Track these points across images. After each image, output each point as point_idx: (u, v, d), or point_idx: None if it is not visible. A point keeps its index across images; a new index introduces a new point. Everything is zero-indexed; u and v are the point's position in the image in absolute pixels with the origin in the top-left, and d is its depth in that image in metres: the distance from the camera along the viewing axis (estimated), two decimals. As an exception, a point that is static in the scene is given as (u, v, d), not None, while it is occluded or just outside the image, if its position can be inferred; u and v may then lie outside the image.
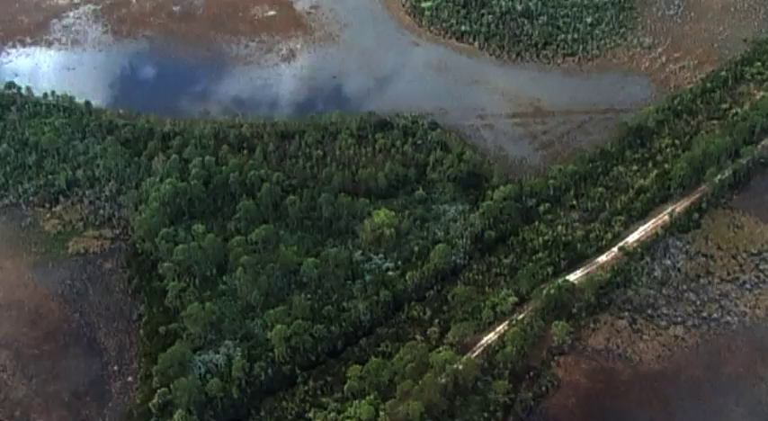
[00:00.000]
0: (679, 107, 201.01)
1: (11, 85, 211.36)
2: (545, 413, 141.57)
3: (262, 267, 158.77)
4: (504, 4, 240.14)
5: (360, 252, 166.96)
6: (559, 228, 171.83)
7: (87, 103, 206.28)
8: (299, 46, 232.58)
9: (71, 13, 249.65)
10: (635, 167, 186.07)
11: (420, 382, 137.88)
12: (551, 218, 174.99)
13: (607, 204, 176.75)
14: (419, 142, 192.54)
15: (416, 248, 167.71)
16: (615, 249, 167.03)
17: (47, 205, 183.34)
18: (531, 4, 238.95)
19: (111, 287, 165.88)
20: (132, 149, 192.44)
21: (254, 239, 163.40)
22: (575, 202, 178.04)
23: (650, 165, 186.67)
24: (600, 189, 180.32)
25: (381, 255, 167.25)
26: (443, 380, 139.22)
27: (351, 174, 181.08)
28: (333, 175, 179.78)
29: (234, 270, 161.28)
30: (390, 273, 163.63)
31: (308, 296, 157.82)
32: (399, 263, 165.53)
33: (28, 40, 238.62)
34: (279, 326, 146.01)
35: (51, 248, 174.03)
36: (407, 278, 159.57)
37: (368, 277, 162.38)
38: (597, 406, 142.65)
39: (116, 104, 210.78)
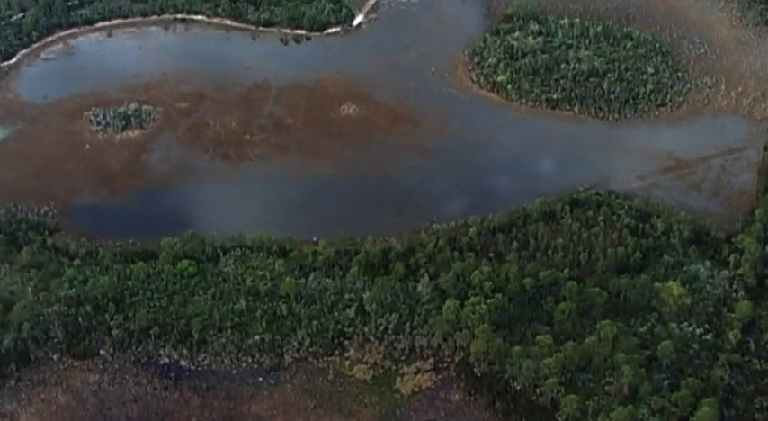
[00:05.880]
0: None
1: (194, 235, 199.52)
2: None
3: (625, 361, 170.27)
4: (571, 66, 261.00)
5: (675, 325, 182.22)
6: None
7: (290, 239, 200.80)
8: (422, 141, 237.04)
9: (155, 145, 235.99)
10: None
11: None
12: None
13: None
14: (620, 213, 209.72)
15: (710, 310, 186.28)
16: None
17: (335, 352, 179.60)
18: (595, 64, 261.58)
19: (476, 417, 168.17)
20: (368, 275, 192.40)
21: (604, 336, 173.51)
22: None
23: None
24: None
25: (686, 324, 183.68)
26: None
27: (603, 254, 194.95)
28: (599, 260, 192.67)
29: (591, 369, 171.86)
30: (705, 337, 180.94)
31: (664, 375, 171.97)
32: (706, 326, 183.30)
33: (137, 181, 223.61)
34: (705, 409, 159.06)
35: (383, 395, 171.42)
36: (731, 337, 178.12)
37: (696, 346, 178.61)
38: None
39: (301, 234, 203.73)
